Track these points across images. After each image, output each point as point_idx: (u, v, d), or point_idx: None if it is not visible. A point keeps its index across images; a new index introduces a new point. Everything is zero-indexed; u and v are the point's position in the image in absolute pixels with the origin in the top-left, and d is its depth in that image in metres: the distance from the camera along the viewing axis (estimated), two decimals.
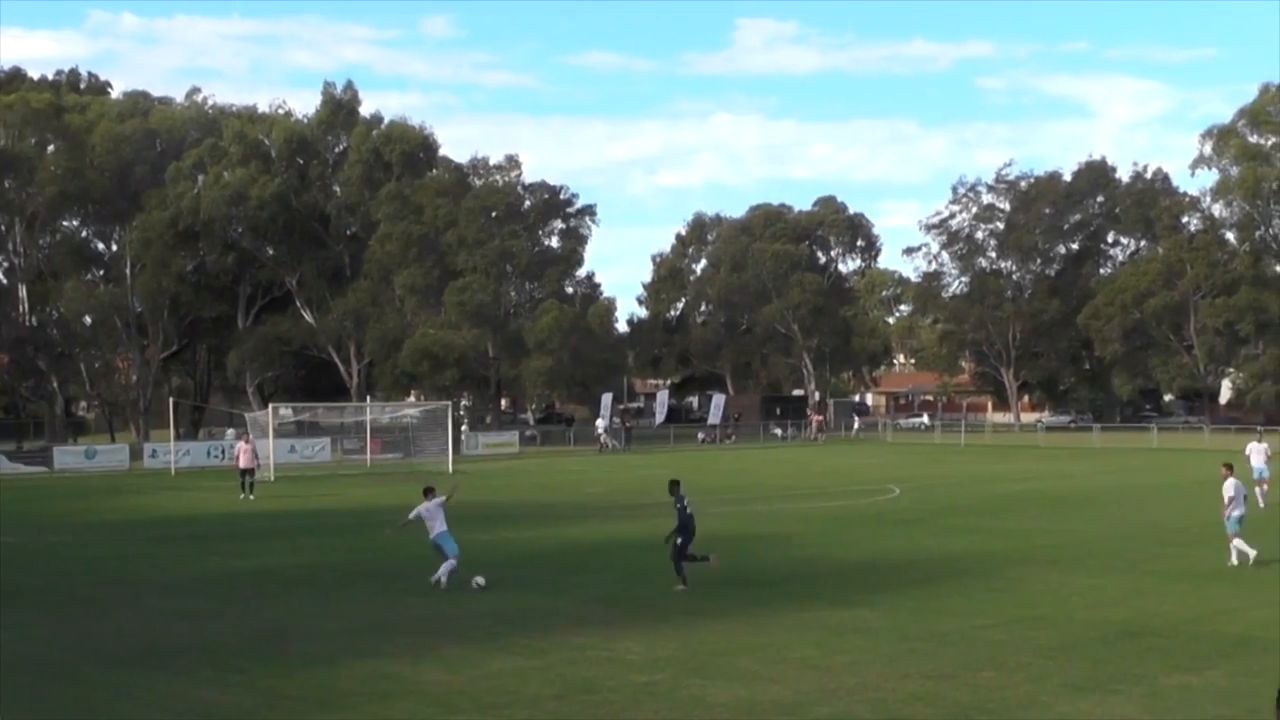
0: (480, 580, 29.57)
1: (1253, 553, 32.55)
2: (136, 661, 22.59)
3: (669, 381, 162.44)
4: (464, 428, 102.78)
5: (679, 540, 30.00)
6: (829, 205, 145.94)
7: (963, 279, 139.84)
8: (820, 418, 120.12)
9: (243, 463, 58.52)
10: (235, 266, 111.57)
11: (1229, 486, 33.14)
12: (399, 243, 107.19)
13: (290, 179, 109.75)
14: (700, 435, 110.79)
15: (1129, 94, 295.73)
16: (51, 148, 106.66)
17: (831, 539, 39.54)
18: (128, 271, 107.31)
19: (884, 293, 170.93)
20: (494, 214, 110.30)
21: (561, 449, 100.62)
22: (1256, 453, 49.72)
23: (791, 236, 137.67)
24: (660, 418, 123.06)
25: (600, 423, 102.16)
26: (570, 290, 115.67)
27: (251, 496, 56.35)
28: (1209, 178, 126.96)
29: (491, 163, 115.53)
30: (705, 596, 28.69)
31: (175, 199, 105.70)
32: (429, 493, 30.52)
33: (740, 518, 46.77)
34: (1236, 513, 33.00)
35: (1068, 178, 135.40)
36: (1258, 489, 48.65)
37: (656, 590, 29.77)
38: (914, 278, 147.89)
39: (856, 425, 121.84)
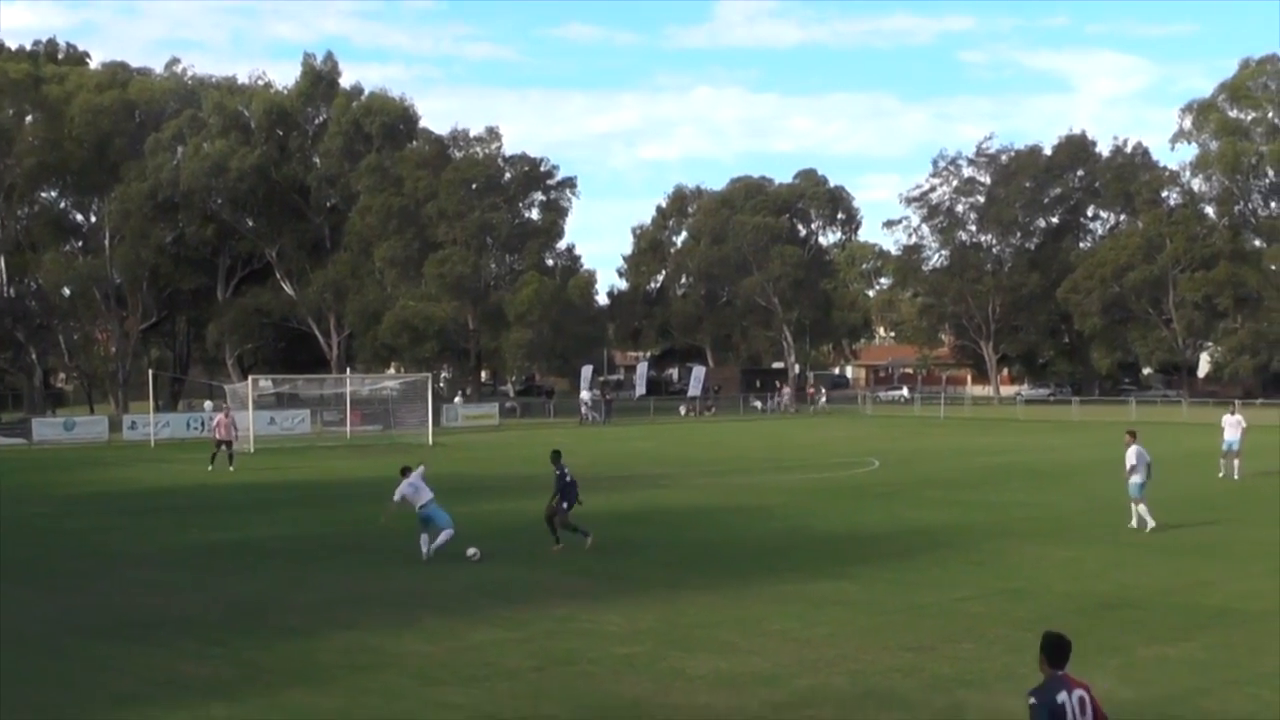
0: (474, 551, 29.61)
1: (1151, 522, 33.60)
2: (116, 634, 22.58)
3: (649, 354, 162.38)
4: (458, 399, 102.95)
5: (564, 505, 31.08)
6: (809, 178, 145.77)
7: (943, 252, 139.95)
8: (789, 389, 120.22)
9: (220, 434, 58.48)
10: (215, 238, 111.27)
11: (1131, 454, 34.28)
12: (379, 215, 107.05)
13: (270, 151, 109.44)
14: (683, 408, 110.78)
15: (1110, 69, 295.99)
16: (29, 119, 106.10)
17: (811, 511, 39.58)
18: (106, 243, 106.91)
19: (864, 266, 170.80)
20: (474, 186, 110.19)
21: (542, 421, 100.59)
22: (1230, 425, 49.91)
23: (772, 209, 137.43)
24: (640, 390, 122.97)
25: (586, 394, 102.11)
26: (550, 263, 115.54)
27: (231, 468, 56.22)
28: (1189, 152, 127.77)
29: (472, 135, 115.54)
30: (684, 569, 28.73)
31: (154, 170, 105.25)
32: (406, 471, 30.54)
33: (720, 490, 46.82)
34: (1136, 479, 34.07)
35: (1048, 152, 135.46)
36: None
37: (637, 563, 29.84)
38: (894, 251, 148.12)
39: (824, 399, 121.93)
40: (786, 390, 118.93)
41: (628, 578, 27.79)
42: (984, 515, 37.69)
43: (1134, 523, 34.08)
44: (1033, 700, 11.09)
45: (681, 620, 23.00)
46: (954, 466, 55.96)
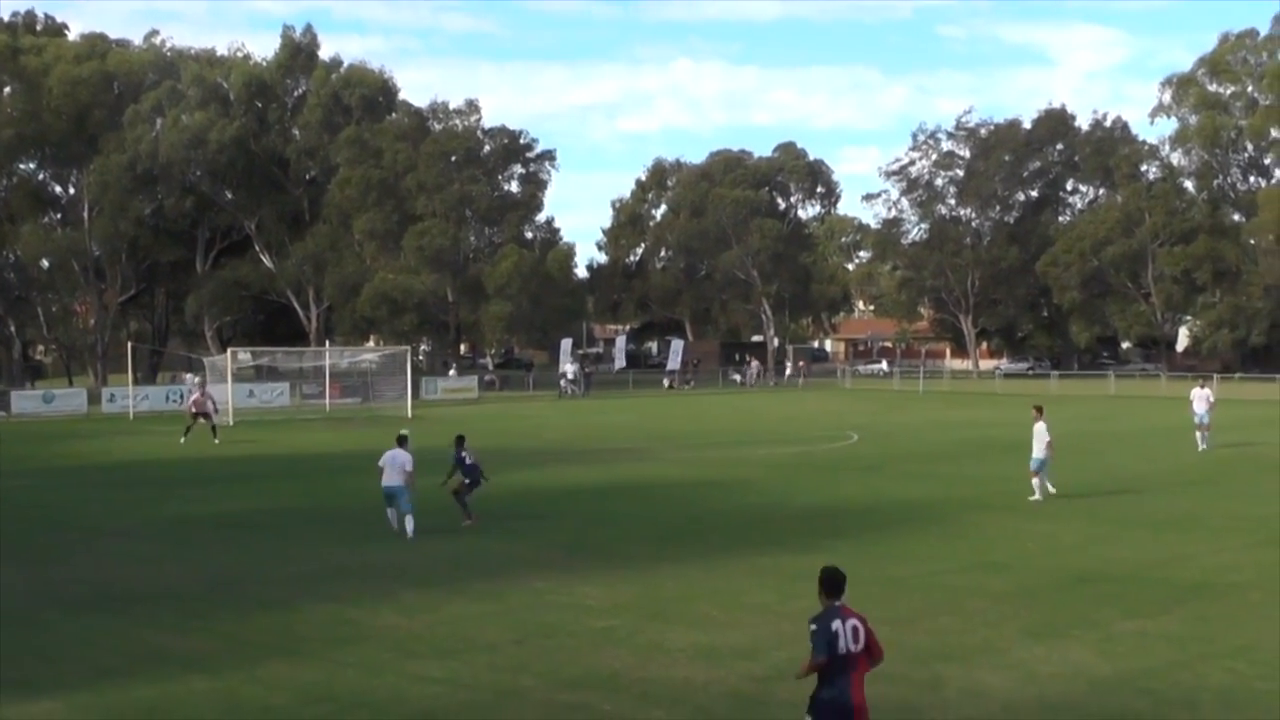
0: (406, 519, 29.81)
1: (1038, 497, 34.75)
2: (95, 607, 22.61)
3: (628, 327, 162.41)
4: (452, 372, 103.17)
5: (467, 482, 31.79)
6: (789, 151, 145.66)
7: (922, 226, 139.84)
8: (756, 362, 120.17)
9: (195, 408, 58.40)
10: (194, 210, 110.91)
11: (1038, 429, 35.31)
12: (358, 187, 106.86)
13: (249, 123, 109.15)
14: (665, 381, 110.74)
15: (1089, 42, 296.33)
16: (8, 90, 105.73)
17: (789, 485, 39.67)
18: (85, 215, 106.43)
19: (843, 239, 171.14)
20: (453, 158, 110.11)
21: (520, 394, 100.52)
22: (1199, 399, 50.18)
23: (751, 182, 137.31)
24: (619, 363, 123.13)
25: (569, 367, 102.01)
26: (530, 235, 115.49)
27: (215, 441, 56.08)
28: (1168, 126, 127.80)
29: (451, 107, 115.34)
30: (664, 543, 28.79)
31: (133, 142, 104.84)
32: (402, 440, 30.63)
33: (698, 463, 46.88)
34: (1040, 454, 35.05)
35: (1027, 125, 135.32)
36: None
37: (616, 536, 29.90)
38: (874, 224, 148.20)
39: (789, 371, 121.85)
40: (755, 363, 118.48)
41: (606, 551, 27.84)
42: (962, 489, 37.79)
43: (1036, 495, 34.85)
44: (813, 626, 12.46)
45: (660, 594, 23.06)
46: (932, 440, 56.06)
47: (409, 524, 29.35)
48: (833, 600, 12.79)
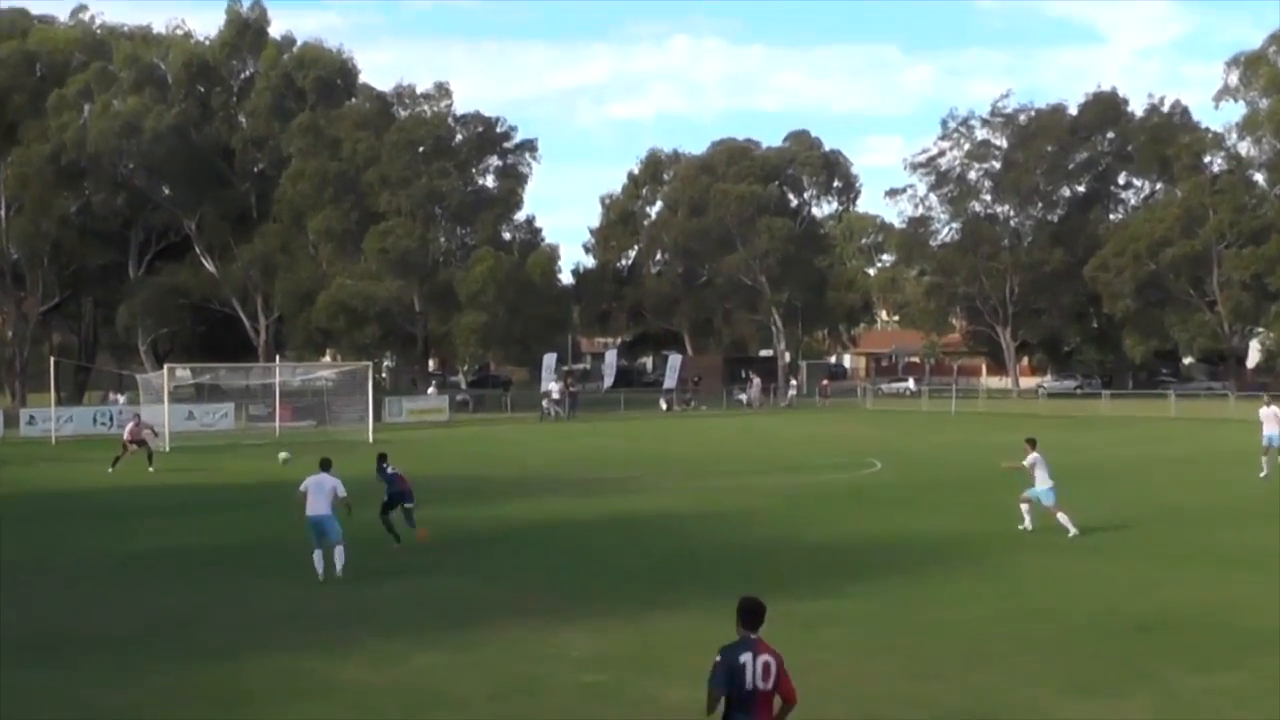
0: (285, 455, 29.84)
1: (1073, 531, 34.90)
2: (17, 657, 22.56)
3: (619, 340, 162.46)
4: (431, 389, 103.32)
5: (406, 505, 33.50)
6: (801, 141, 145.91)
7: (953, 225, 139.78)
8: (757, 379, 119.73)
9: (128, 437, 58.44)
10: (126, 208, 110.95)
11: (1037, 461, 36.33)
12: (313, 181, 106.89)
13: (189, 109, 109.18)
14: (662, 402, 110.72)
15: (1141, 16, 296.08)
16: None
17: (803, 519, 39.68)
18: (2, 214, 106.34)
19: (864, 240, 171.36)
20: (421, 149, 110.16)
21: (497, 416, 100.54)
22: (1269, 419, 50.32)
23: (758, 176, 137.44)
24: (609, 381, 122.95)
25: (553, 385, 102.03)
26: (508, 236, 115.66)
27: (150, 469, 56.23)
28: (1235, 111, 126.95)
29: (418, 91, 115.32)
30: (658, 584, 28.81)
31: (58, 131, 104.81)
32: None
33: (698, 494, 46.89)
34: (1047, 484, 35.98)
35: (1073, 111, 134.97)
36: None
37: (604, 576, 29.93)
38: (898, 223, 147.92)
39: (791, 394, 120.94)
40: (756, 381, 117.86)
41: (593, 594, 27.86)
42: (999, 523, 37.72)
43: (1071, 530, 34.97)
44: (718, 657, 13.16)
45: (654, 642, 23.07)
46: (966, 468, 56.05)
47: (339, 557, 29.20)
48: (748, 632, 13.45)
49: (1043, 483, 35.74)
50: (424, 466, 57.49)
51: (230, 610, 26.28)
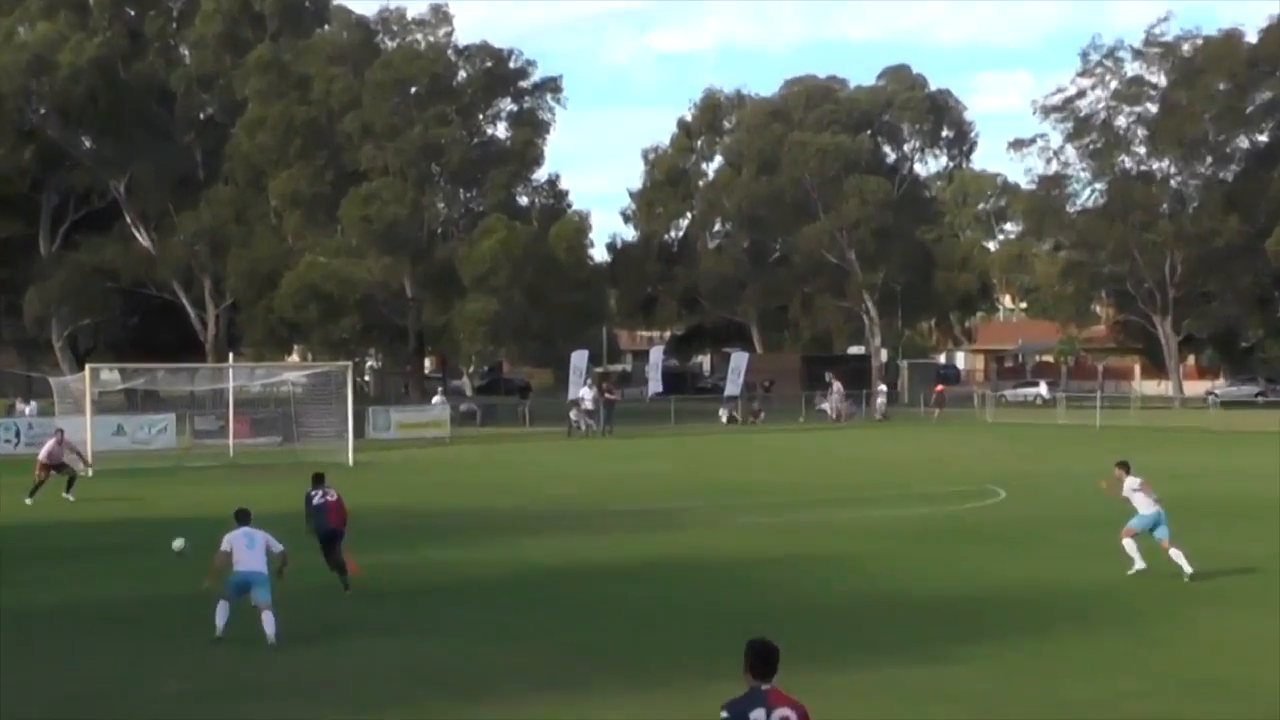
0: (180, 544, 29.85)
1: (1189, 570, 35.45)
2: None
3: (668, 334, 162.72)
4: (437, 398, 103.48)
5: (317, 530, 34.18)
6: (899, 79, 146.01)
7: (1097, 186, 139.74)
8: (838, 385, 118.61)
9: (46, 460, 58.33)
10: (36, 165, 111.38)
11: (1130, 485, 36.91)
12: (275, 132, 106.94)
13: (116, 39, 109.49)
14: (723, 413, 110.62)
15: None
16: None
17: (907, 564, 39.60)
18: None
19: (981, 206, 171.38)
20: (413, 90, 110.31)
21: (513, 431, 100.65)
22: None
23: (845, 124, 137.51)
24: (655, 386, 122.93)
25: (584, 392, 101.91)
26: (524, 201, 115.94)
27: (69, 497, 56.30)
28: None
29: (409, 16, 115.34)
30: (718, 649, 28.58)
31: None
32: (319, 480, 30.77)
33: (772, 533, 46.90)
34: (1147, 511, 36.37)
35: (1252, 38, 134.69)
36: None
37: (650, 638, 29.77)
38: (1025, 184, 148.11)
39: (880, 402, 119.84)
40: (837, 385, 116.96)
41: (634, 660, 27.74)
42: (1156, 570, 37.52)
43: (1187, 569, 35.43)
44: (724, 714, 13.66)
45: None
46: (1114, 500, 55.77)
47: (269, 624, 28.87)
48: (759, 682, 13.95)
49: (1145, 508, 36.12)
50: (417, 496, 57.72)
51: (157, 681, 26.15)
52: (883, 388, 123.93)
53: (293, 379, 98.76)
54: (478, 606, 32.58)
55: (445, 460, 77.07)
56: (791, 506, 53.82)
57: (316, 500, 33.74)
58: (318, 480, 34.69)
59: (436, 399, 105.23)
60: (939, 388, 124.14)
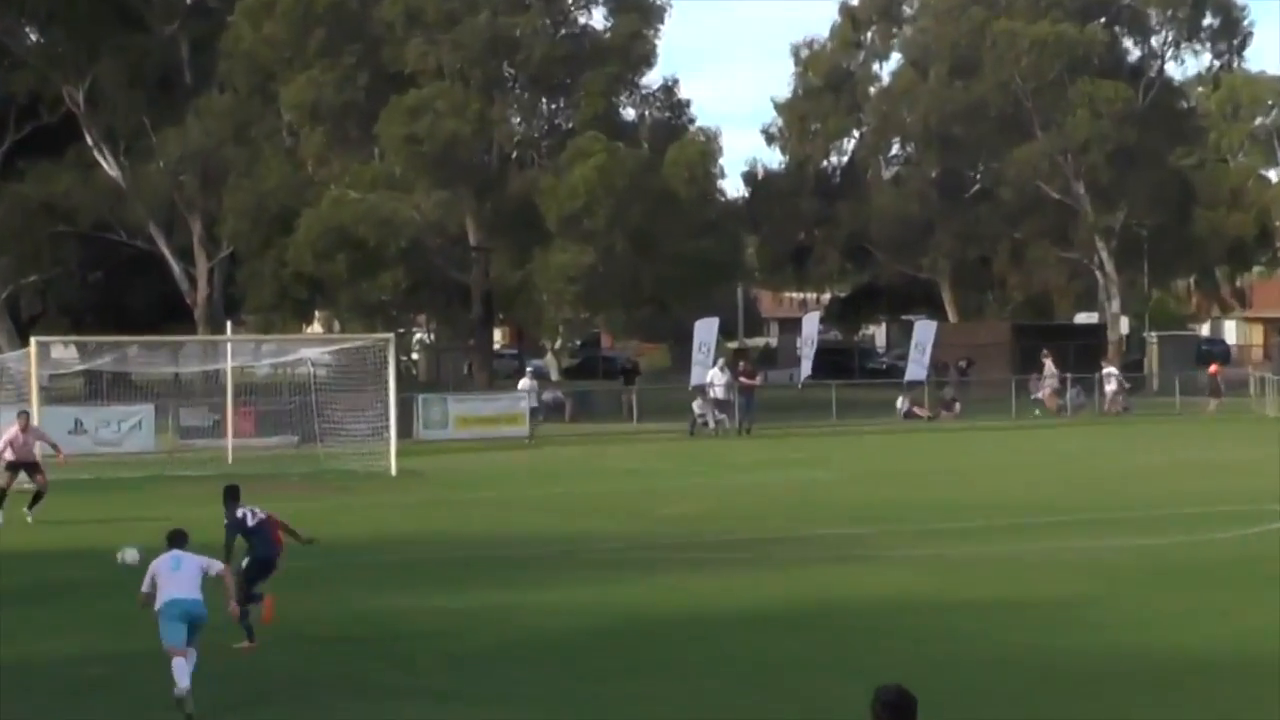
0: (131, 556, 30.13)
1: None
2: None
3: (826, 296, 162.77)
4: (524, 382, 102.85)
5: (253, 561, 35.30)
6: None
7: None
8: (1051, 369, 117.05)
9: (10, 456, 58.69)
10: None
11: None
12: (289, 19, 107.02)
13: None
14: (903, 403, 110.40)
15: None
16: None
17: (1149, 610, 39.50)
18: None
19: (1259, 121, 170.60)
20: None
21: (613, 427, 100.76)
22: None
23: (1071, 8, 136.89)
24: (808, 367, 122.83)
25: (715, 375, 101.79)
26: (630, 115, 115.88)
27: (29, 516, 57.10)
28: None
29: None
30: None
31: None
32: (181, 539, 30.83)
33: (970, 566, 46.99)
34: None
35: None
36: None
37: (801, 700, 29.85)
38: None
39: (1111, 390, 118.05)
40: (1048, 367, 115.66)
41: None
42: None
43: None
44: None
45: None
46: None
47: (188, 662, 29.08)
48: None
49: None
50: (483, 518, 57.92)
51: None
52: (1111, 371, 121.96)
53: (314, 357, 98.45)
54: (559, 667, 32.64)
55: (522, 468, 77.30)
56: (994, 533, 53.74)
57: (252, 521, 34.32)
58: (233, 495, 35.78)
59: (525, 382, 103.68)
60: (1213, 368, 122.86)
